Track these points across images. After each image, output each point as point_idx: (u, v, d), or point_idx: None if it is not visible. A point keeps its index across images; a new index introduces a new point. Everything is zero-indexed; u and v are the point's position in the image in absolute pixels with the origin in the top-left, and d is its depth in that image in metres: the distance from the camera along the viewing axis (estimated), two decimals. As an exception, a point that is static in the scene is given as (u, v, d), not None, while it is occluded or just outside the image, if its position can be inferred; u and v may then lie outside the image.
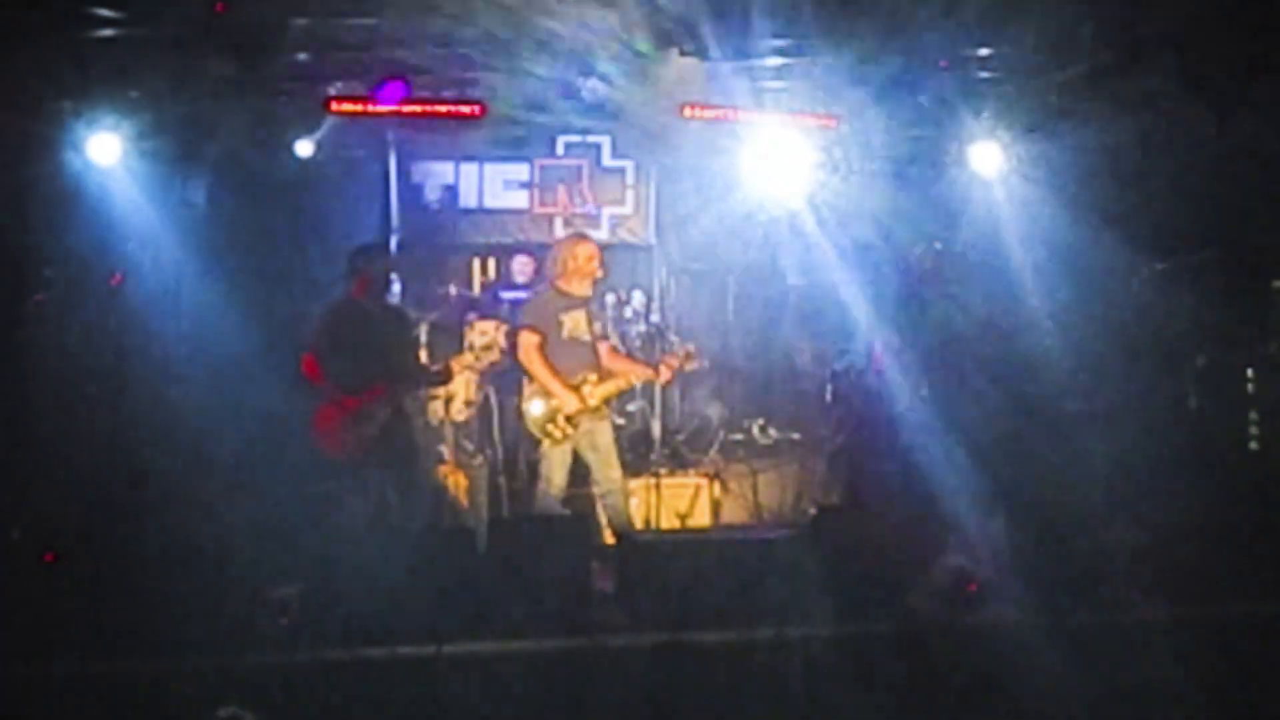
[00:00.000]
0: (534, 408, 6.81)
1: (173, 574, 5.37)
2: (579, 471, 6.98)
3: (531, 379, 6.84)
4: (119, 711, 4.82)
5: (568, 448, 6.85)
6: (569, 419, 6.78)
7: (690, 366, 7.28)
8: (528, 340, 6.82)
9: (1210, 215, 7.85)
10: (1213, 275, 7.48)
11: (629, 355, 7.80)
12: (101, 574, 5.34)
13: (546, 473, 6.86)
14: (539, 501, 6.90)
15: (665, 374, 7.14)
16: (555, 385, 6.75)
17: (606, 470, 6.90)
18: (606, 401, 6.95)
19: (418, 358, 7.70)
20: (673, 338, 8.57)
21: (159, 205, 8.55)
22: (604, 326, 7.34)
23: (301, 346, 6.73)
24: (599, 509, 6.99)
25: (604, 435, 6.92)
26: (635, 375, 7.15)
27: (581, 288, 6.94)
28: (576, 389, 6.78)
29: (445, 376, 7.28)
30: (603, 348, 7.06)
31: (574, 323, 6.87)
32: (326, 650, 5.21)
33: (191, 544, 6.16)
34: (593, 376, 6.84)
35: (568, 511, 6.85)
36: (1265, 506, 6.58)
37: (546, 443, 6.81)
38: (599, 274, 7.01)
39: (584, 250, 6.96)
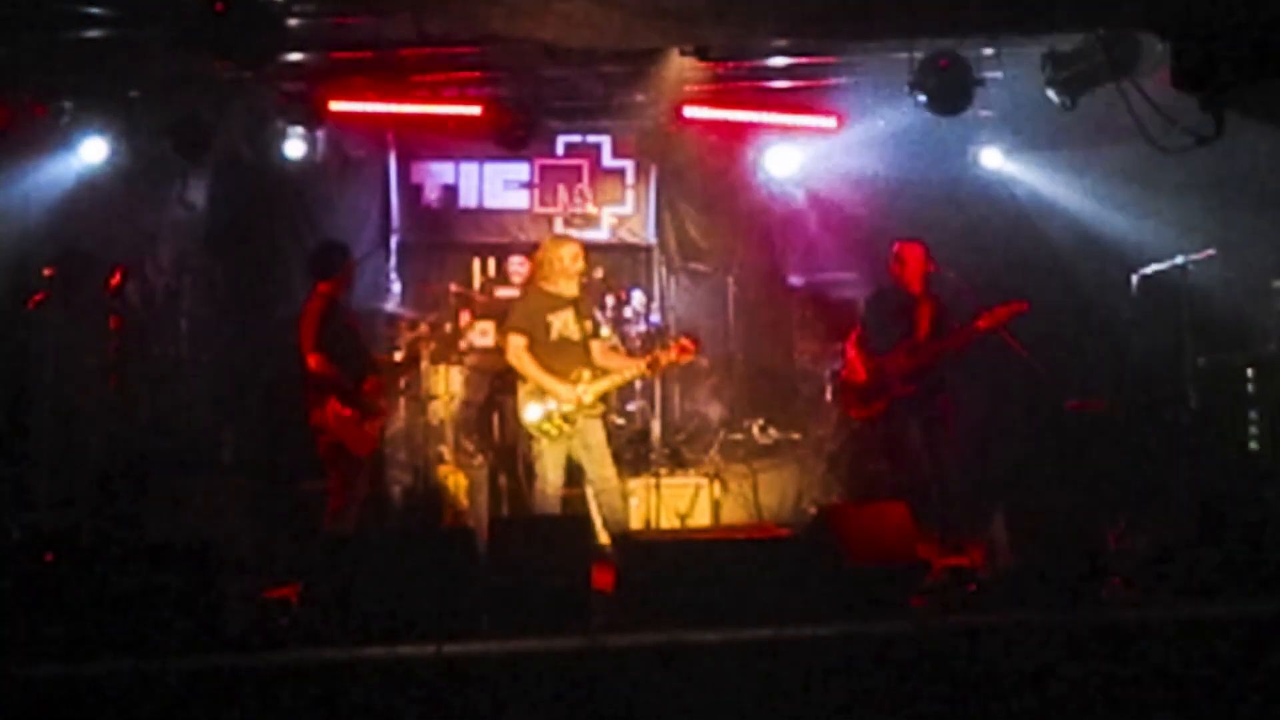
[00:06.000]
0: (529, 410, 6.82)
1: (172, 574, 5.37)
2: (572, 471, 6.98)
3: (525, 380, 6.85)
4: (118, 712, 4.81)
5: (562, 447, 6.85)
6: (565, 417, 6.78)
7: (686, 359, 7.08)
8: (515, 343, 6.83)
9: (1209, 215, 7.85)
10: (1212, 275, 7.47)
11: (623, 352, 7.69)
12: (100, 574, 5.33)
13: (542, 472, 6.86)
14: (538, 502, 6.90)
15: (659, 365, 7.01)
16: (549, 382, 6.76)
17: (600, 469, 6.89)
18: (603, 399, 6.93)
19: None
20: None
21: (158, 205, 8.57)
22: (595, 325, 7.22)
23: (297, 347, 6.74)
24: (593, 509, 6.96)
25: (596, 434, 6.90)
26: (630, 371, 7.10)
27: (568, 288, 6.94)
28: (572, 385, 6.78)
29: (411, 360, 7.38)
30: (596, 346, 7.04)
31: (563, 323, 6.87)
32: (326, 650, 5.21)
33: (191, 544, 6.16)
34: (586, 374, 6.84)
35: (559, 512, 6.86)
36: (1265, 506, 6.57)
37: (544, 441, 6.81)
38: (584, 272, 6.99)
39: (568, 251, 6.95)
